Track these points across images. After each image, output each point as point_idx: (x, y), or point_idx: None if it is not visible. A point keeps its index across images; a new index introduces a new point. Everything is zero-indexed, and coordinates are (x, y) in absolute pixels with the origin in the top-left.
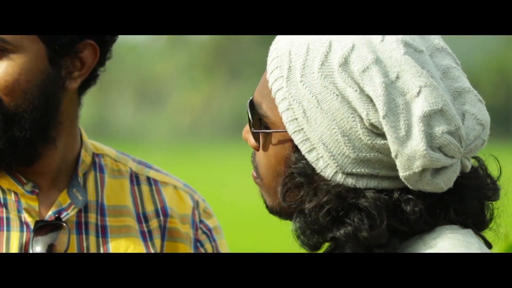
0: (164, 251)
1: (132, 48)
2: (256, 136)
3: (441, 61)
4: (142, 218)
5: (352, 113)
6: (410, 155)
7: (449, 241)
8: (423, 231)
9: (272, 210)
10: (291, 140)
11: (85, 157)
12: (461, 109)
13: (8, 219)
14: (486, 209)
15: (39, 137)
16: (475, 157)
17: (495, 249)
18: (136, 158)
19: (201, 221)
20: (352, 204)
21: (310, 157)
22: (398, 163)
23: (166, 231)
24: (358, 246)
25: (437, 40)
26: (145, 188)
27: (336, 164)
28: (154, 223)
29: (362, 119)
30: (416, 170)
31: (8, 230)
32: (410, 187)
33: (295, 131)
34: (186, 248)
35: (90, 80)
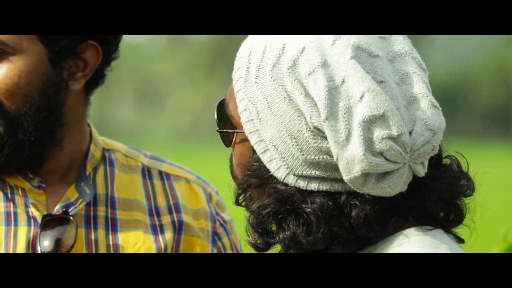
0: (181, 245)
1: (132, 48)
2: (224, 136)
3: (401, 66)
4: (154, 212)
5: (298, 116)
6: (349, 159)
7: (417, 244)
8: (370, 238)
9: (236, 201)
10: (246, 139)
11: (95, 152)
12: (414, 115)
13: (15, 213)
14: (456, 206)
15: (45, 138)
16: (448, 156)
17: (495, 250)
18: (148, 153)
19: (217, 213)
20: (290, 209)
21: (264, 158)
22: (340, 166)
23: (183, 225)
24: (300, 250)
25: (402, 44)
26: (157, 182)
27: (286, 166)
28: (166, 219)
29: (305, 118)
30: (357, 175)
31: (16, 224)
32: (357, 191)
33: (251, 132)
34: (204, 242)
35: (97, 80)
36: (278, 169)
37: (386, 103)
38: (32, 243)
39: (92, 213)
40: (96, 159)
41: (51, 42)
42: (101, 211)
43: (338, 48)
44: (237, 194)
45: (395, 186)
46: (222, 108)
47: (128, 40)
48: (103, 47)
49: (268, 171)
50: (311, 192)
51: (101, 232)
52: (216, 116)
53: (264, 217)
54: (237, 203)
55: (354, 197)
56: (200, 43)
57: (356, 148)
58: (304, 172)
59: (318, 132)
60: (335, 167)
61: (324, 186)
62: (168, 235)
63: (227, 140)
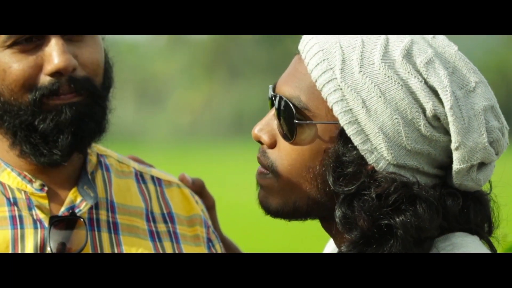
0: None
1: (132, 48)
2: (290, 130)
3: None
4: (151, 217)
5: (415, 104)
6: (472, 147)
7: (471, 243)
8: (454, 230)
9: (279, 212)
10: (339, 132)
11: (91, 157)
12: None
13: (20, 217)
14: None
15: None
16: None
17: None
18: (136, 158)
19: (207, 220)
20: (415, 194)
21: (363, 148)
22: (458, 154)
23: (179, 236)
24: (407, 236)
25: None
26: (151, 187)
27: (392, 155)
28: (162, 227)
29: (425, 110)
30: (475, 163)
31: (22, 227)
32: (455, 182)
33: (349, 122)
34: (202, 249)
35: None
36: (378, 158)
37: (492, 94)
38: (40, 245)
39: (94, 216)
40: (93, 163)
41: None
42: (103, 214)
43: (441, 41)
44: (334, 182)
45: (486, 179)
46: (284, 103)
47: (128, 40)
48: None
49: (363, 160)
50: (410, 182)
51: (104, 235)
52: (281, 111)
53: (386, 202)
54: (337, 189)
55: (441, 195)
56: (200, 43)
57: (479, 136)
58: (404, 162)
59: (435, 121)
60: (430, 160)
61: (415, 178)
62: (167, 244)
63: (289, 134)
